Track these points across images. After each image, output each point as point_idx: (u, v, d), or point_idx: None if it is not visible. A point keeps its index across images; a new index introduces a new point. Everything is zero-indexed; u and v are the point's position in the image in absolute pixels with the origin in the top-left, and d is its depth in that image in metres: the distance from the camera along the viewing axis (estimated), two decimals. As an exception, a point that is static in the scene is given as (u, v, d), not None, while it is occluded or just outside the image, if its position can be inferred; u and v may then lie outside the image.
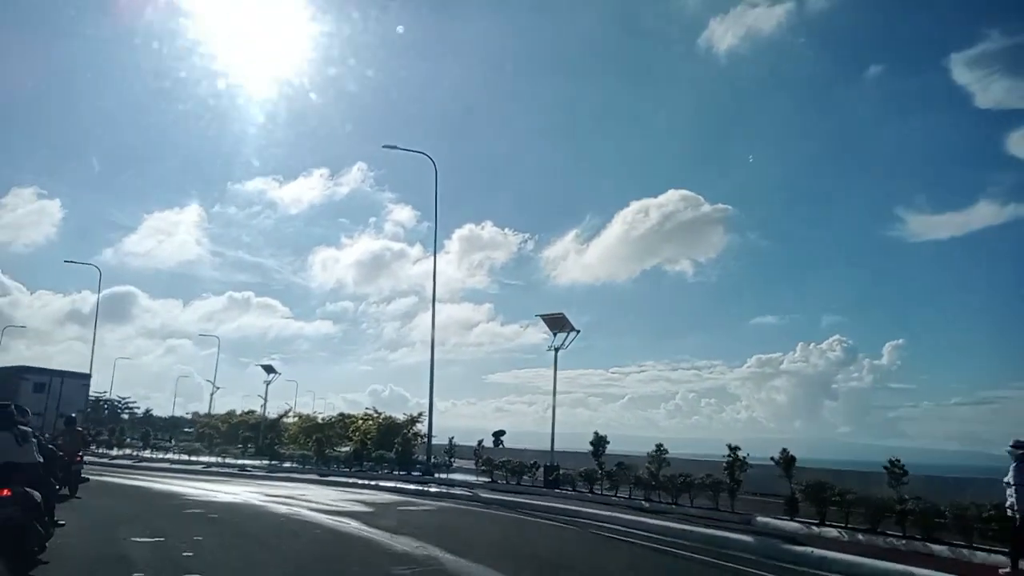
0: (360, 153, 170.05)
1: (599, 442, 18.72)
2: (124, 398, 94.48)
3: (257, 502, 16.02)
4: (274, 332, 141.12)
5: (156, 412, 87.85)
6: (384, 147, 25.36)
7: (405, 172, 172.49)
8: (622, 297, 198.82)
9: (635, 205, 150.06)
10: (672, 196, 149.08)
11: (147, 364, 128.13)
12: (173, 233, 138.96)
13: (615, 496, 17.91)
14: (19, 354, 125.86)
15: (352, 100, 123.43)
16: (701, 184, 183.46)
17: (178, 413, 72.48)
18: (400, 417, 35.11)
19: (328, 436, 33.47)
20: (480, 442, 22.40)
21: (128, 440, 36.56)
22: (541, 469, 20.37)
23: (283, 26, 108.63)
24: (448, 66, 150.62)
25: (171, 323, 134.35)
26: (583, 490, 19.03)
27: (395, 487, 21.19)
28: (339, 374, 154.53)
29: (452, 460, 22.93)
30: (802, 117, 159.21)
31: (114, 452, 34.53)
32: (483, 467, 21.95)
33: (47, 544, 7.92)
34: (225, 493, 18.03)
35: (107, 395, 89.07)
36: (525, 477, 20.74)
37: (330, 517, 13.30)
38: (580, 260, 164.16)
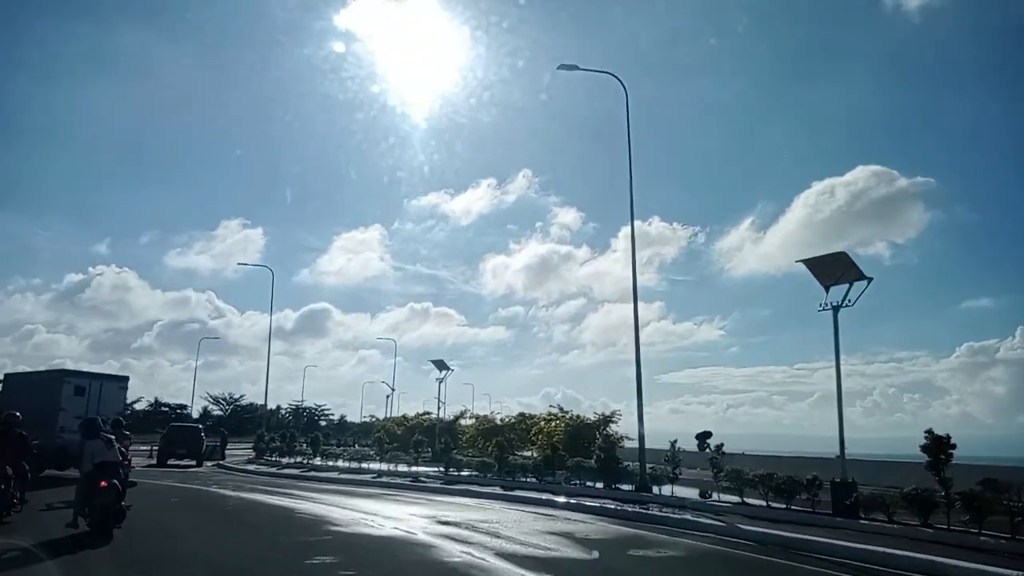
0: (525, 160, 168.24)
1: (939, 447, 11.64)
2: (320, 406, 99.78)
3: (422, 537, 10.99)
4: (451, 340, 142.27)
5: (349, 418, 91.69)
6: (561, 68, 19.94)
7: (570, 174, 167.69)
8: (807, 287, 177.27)
9: (818, 186, 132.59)
10: (861, 173, 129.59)
11: (343, 374, 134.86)
12: (359, 251, 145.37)
13: (979, 534, 10.85)
14: (234, 369, 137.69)
15: (515, 108, 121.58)
16: (895, 157, 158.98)
17: (366, 419, 73.14)
18: (590, 417, 29.70)
19: (509, 439, 28.64)
20: (719, 447, 16.05)
21: (298, 447, 34.41)
22: (823, 487, 13.66)
23: (442, 45, 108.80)
24: (606, 58, 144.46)
25: (361, 335, 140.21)
26: (906, 521, 12.09)
27: (603, 507, 15.52)
28: (512, 378, 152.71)
29: (677, 472, 16.80)
30: (1012, 71, 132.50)
31: (285, 460, 32.34)
32: (726, 482, 15.59)
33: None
34: (384, 518, 13.34)
35: (304, 403, 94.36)
36: (798, 498, 14.14)
37: (532, 577, 7.84)
38: (757, 250, 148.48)
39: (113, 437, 11.16)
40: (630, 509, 15.28)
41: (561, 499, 17.22)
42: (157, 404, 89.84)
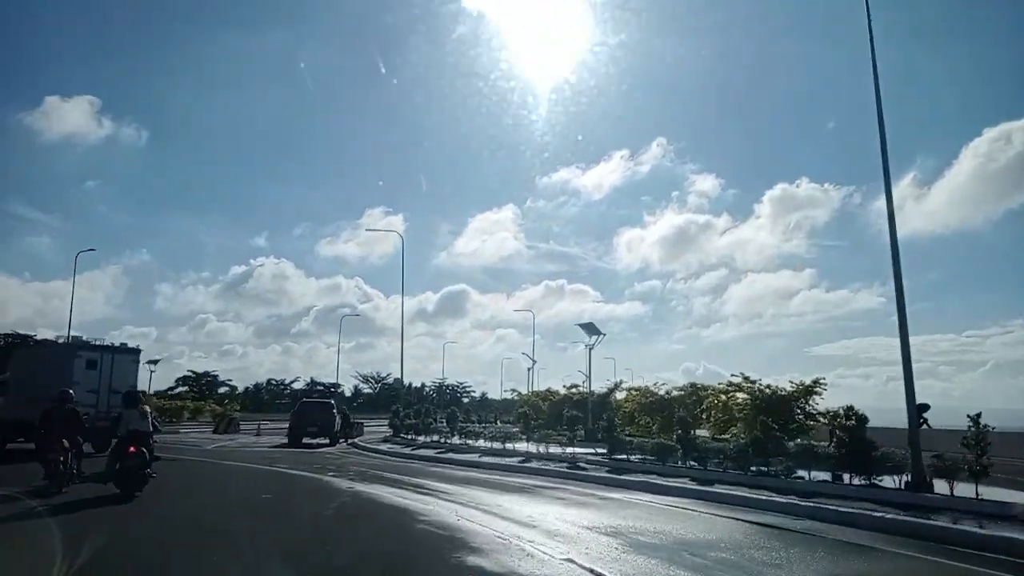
0: (659, 128, 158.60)
1: None
2: (462, 383, 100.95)
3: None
4: (587, 316, 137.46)
5: (490, 395, 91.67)
6: None
7: (707, 139, 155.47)
8: (979, 245, 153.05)
9: (989, 133, 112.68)
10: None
11: (481, 353, 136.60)
12: (493, 232, 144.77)
13: None
14: (383, 350, 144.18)
15: (646, 76, 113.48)
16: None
17: (506, 395, 71.44)
18: (786, 387, 23.60)
19: (685, 417, 23.30)
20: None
21: (434, 424, 31.01)
22: None
23: (567, 14, 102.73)
24: (740, 16, 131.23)
25: (498, 314, 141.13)
26: None
27: (867, 517, 10.02)
28: (651, 354, 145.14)
29: (986, 461, 10.78)
30: None
31: (420, 439, 28.94)
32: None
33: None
34: (546, 535, 8.69)
35: (446, 381, 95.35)
36: None
37: None
38: (921, 207, 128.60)
39: (149, 409, 12.36)
40: (926, 522, 9.63)
41: (785, 500, 11.83)
42: (313, 383, 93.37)
